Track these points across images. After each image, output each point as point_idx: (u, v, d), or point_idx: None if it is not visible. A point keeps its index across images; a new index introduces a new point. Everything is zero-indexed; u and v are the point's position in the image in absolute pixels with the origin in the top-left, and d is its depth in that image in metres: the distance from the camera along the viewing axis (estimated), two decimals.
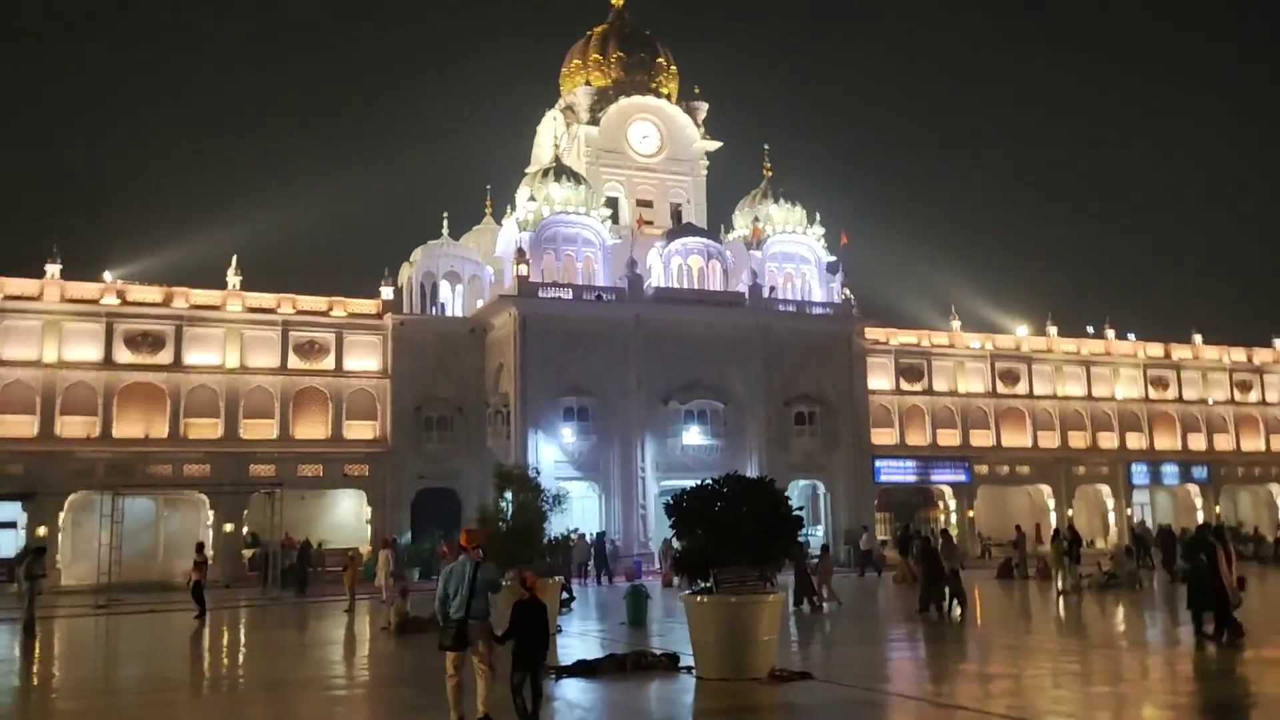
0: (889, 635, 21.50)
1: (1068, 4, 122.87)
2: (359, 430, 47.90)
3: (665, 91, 54.69)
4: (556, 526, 24.98)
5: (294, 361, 47.15)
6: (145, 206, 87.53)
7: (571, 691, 13.68)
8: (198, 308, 46.19)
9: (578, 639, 19.15)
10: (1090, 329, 61.35)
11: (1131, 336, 62.29)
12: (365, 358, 48.20)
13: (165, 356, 45.40)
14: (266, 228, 61.08)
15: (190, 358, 45.67)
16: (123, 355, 44.86)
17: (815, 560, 27.78)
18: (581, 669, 14.66)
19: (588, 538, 40.45)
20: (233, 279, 46.96)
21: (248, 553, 44.56)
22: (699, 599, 14.10)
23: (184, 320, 45.77)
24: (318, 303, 48.15)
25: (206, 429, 45.71)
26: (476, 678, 11.13)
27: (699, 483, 15.21)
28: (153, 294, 45.96)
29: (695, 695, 13.39)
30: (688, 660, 14.73)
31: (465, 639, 11.03)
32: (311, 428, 47.35)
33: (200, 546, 27.62)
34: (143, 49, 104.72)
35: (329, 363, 47.63)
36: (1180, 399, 63.00)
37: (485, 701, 11.02)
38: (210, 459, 45.24)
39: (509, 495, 23.49)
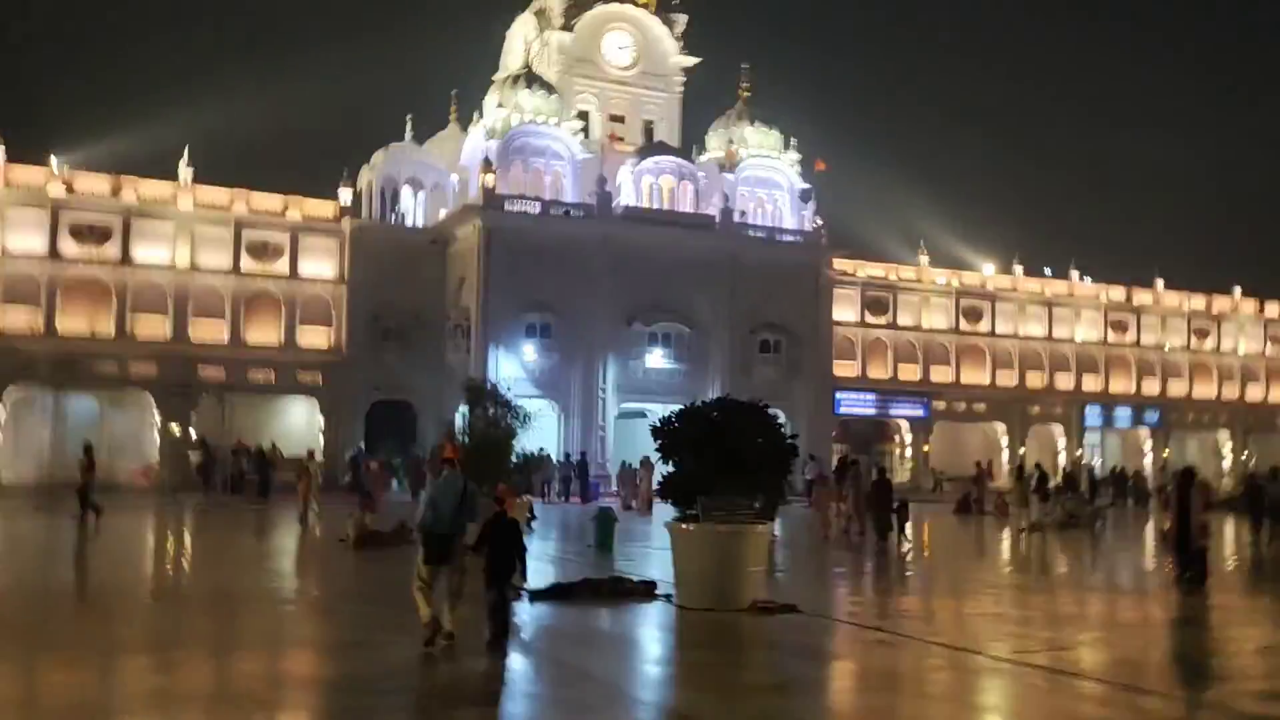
0: (864, 569, 21.11)
1: None
2: (313, 337, 46.57)
3: (643, 1, 52.70)
4: (521, 445, 24.30)
5: (247, 262, 45.51)
6: (96, 86, 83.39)
7: (547, 615, 13.02)
8: (147, 200, 44.24)
9: (545, 562, 18.51)
10: (1048, 271, 61.14)
11: (1088, 280, 62.19)
12: (321, 262, 46.63)
13: (112, 250, 43.57)
14: (222, 118, 58.42)
15: (139, 253, 43.88)
16: (68, 247, 43.02)
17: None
18: (556, 592, 14.01)
19: (552, 457, 39.81)
20: (184, 171, 44.98)
21: (194, 456, 43.35)
22: (685, 526, 13.44)
23: (132, 213, 43.87)
24: (273, 201, 46.33)
25: (154, 327, 44.14)
26: (444, 595, 10.67)
27: (687, 405, 14.46)
28: (100, 183, 43.92)
29: (678, 624, 12.79)
30: (664, 589, 14.12)
31: (451, 553, 10.67)
32: (264, 332, 45.94)
33: (88, 448, 26.02)
34: None
35: (283, 265, 46.04)
36: (1138, 343, 63.32)
37: (451, 620, 10.58)
38: (157, 358, 43.81)
39: (475, 411, 22.69)
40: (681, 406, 14.45)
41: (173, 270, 44.29)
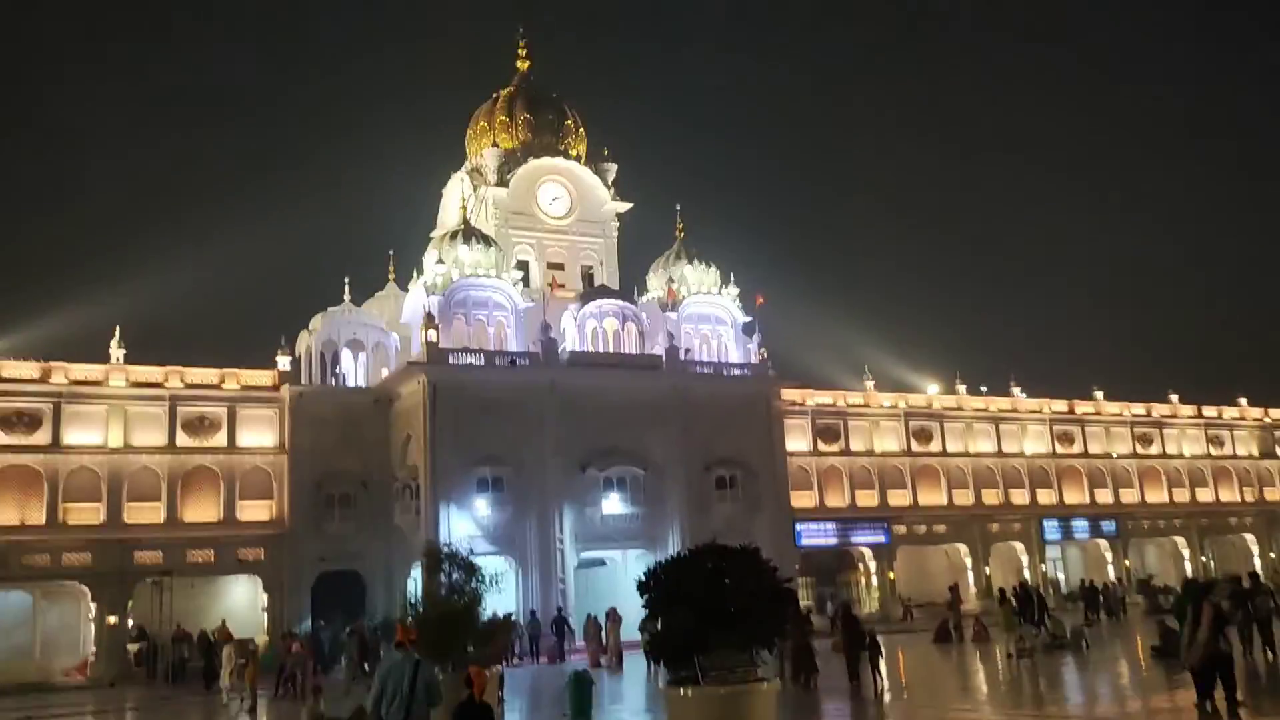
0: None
1: (965, 84, 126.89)
2: (254, 511, 44.74)
3: (574, 153, 53.76)
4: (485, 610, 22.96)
5: (183, 439, 43.97)
6: (21, 274, 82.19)
7: None
8: (78, 383, 42.83)
9: None
10: (984, 389, 61.75)
11: (1019, 392, 62.91)
12: (261, 433, 45.25)
13: (42, 436, 41.88)
14: (154, 297, 57.43)
15: (70, 437, 42.22)
16: None
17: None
18: None
19: (516, 618, 38.17)
20: (116, 352, 43.79)
21: (133, 647, 40.85)
22: (683, 691, 12.38)
23: (62, 397, 42.33)
24: (209, 375, 45.12)
25: (87, 514, 42.14)
26: None
27: (676, 554, 13.59)
28: (28, 369, 42.44)
29: None
30: None
31: None
32: (202, 510, 44.05)
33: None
34: (16, 106, 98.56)
35: (221, 439, 44.55)
36: (1086, 453, 63.84)
37: None
38: (91, 547, 41.64)
39: (435, 578, 21.41)
40: (669, 556, 13.58)
41: (106, 453, 42.61)
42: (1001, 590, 32.73)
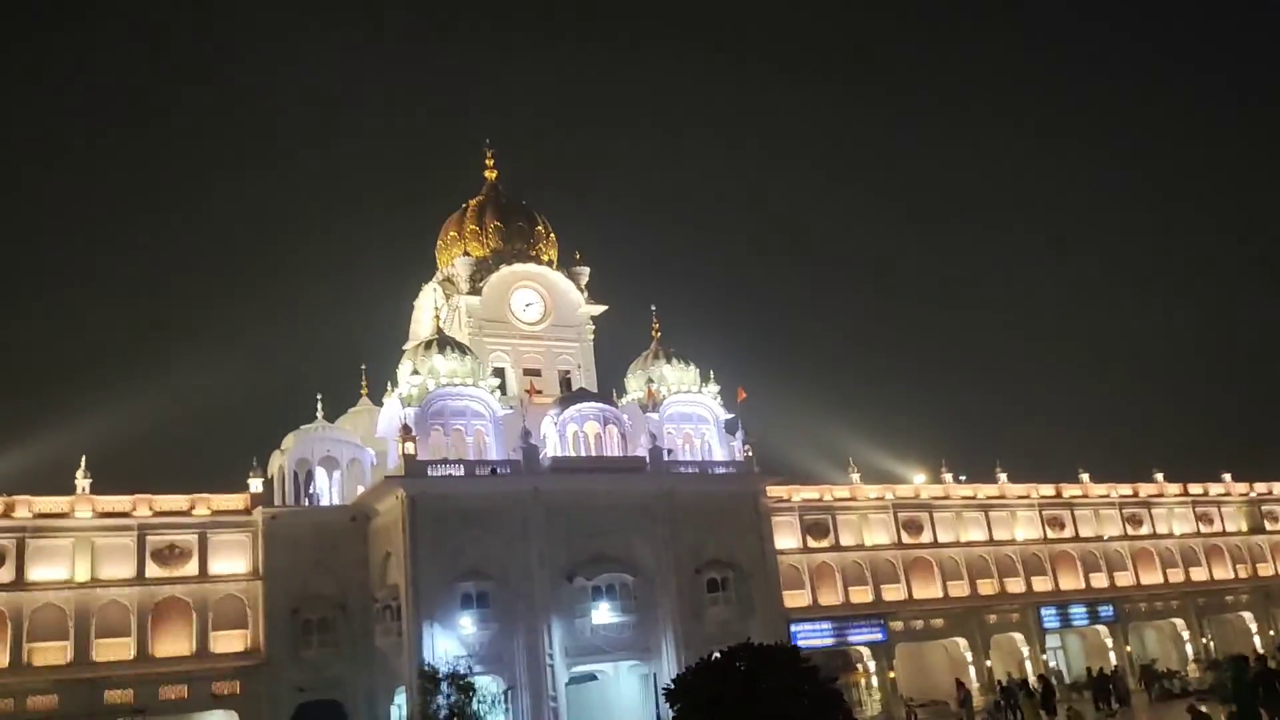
0: None
1: (940, 173, 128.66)
2: (228, 642, 42.86)
3: (546, 259, 53.70)
4: None
5: (152, 569, 42.34)
6: None
7: None
8: (43, 516, 41.30)
9: None
10: (963, 477, 61.03)
11: (1006, 478, 62.30)
12: (233, 559, 43.63)
13: (5, 574, 40.32)
14: (120, 423, 56.03)
15: (34, 573, 40.60)
16: None
17: None
18: None
19: None
20: (82, 482, 42.37)
21: None
22: None
23: (27, 532, 40.84)
24: (178, 502, 43.71)
25: (53, 654, 40.27)
26: None
27: (705, 658, 12.57)
28: None
29: None
30: None
31: None
32: (174, 643, 42.16)
33: None
34: None
35: (192, 568, 42.93)
36: (1078, 537, 62.95)
37: None
38: (58, 688, 39.61)
39: (434, 702, 20.04)
40: (701, 660, 12.56)
41: (72, 588, 40.83)
42: (1006, 683, 31.37)
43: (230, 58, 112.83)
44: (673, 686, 12.10)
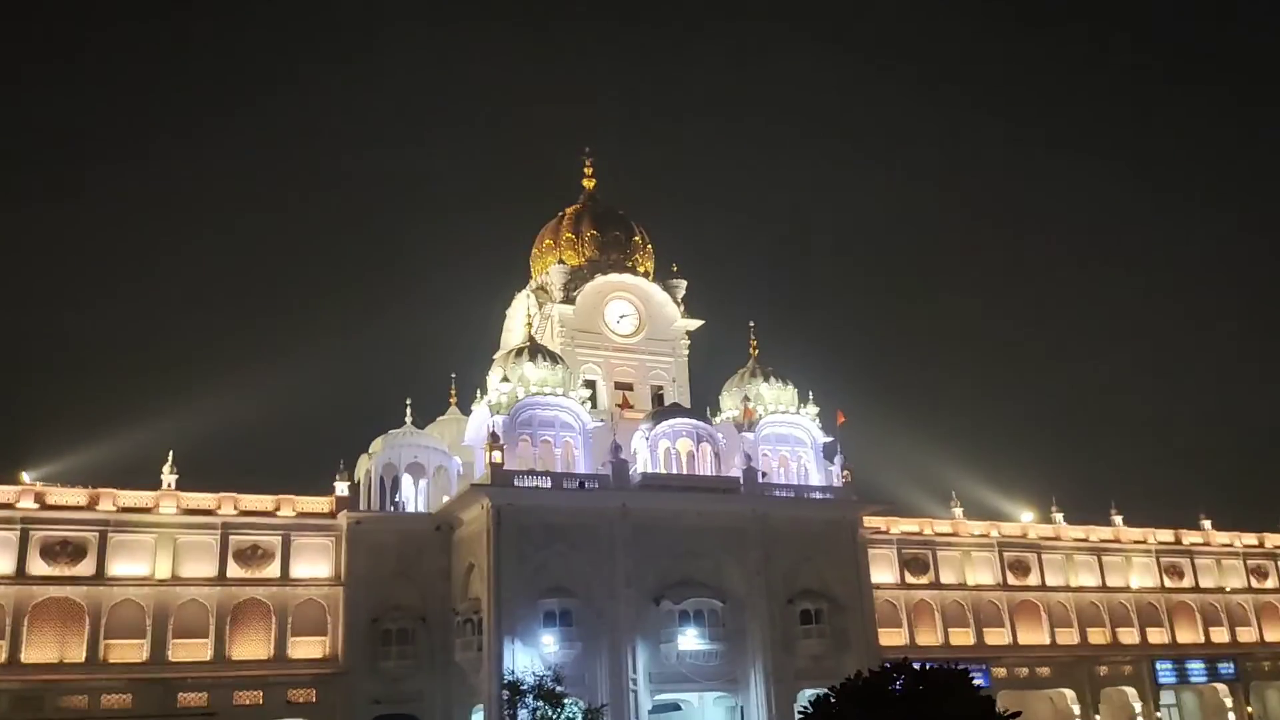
0: None
1: (1056, 175, 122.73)
2: (306, 648, 41.91)
3: (642, 270, 52.25)
4: None
5: (234, 569, 41.66)
6: (73, 399, 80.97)
7: None
8: (127, 510, 40.93)
9: None
10: (1059, 518, 57.22)
11: (1120, 521, 58.43)
12: (316, 563, 42.73)
13: (86, 567, 39.91)
14: (209, 421, 55.90)
15: (115, 568, 40.18)
16: (37, 567, 39.38)
17: None
18: None
19: None
20: (168, 478, 41.92)
21: None
22: None
23: (109, 525, 40.49)
24: (263, 502, 43.07)
25: (130, 651, 39.74)
26: None
27: (850, 679, 10.60)
28: (75, 496, 40.74)
29: None
30: None
31: None
32: (251, 647, 41.35)
33: None
34: (66, 225, 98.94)
35: (273, 569, 42.13)
36: (1197, 588, 58.97)
37: None
38: (133, 687, 39.10)
39: (520, 711, 18.30)
40: (819, 692, 10.57)
41: (152, 585, 40.26)
42: None
43: (323, 56, 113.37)
44: (810, 710, 10.10)
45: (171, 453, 42.40)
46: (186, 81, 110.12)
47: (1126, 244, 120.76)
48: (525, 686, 19.69)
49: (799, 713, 10.81)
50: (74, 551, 39.76)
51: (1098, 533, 57.77)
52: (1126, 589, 56.90)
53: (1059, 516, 57.07)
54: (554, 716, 18.41)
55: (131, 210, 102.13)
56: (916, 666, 10.52)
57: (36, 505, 39.71)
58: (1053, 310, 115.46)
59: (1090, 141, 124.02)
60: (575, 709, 18.89)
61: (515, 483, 41.08)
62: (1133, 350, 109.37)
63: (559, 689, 19.17)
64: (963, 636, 51.61)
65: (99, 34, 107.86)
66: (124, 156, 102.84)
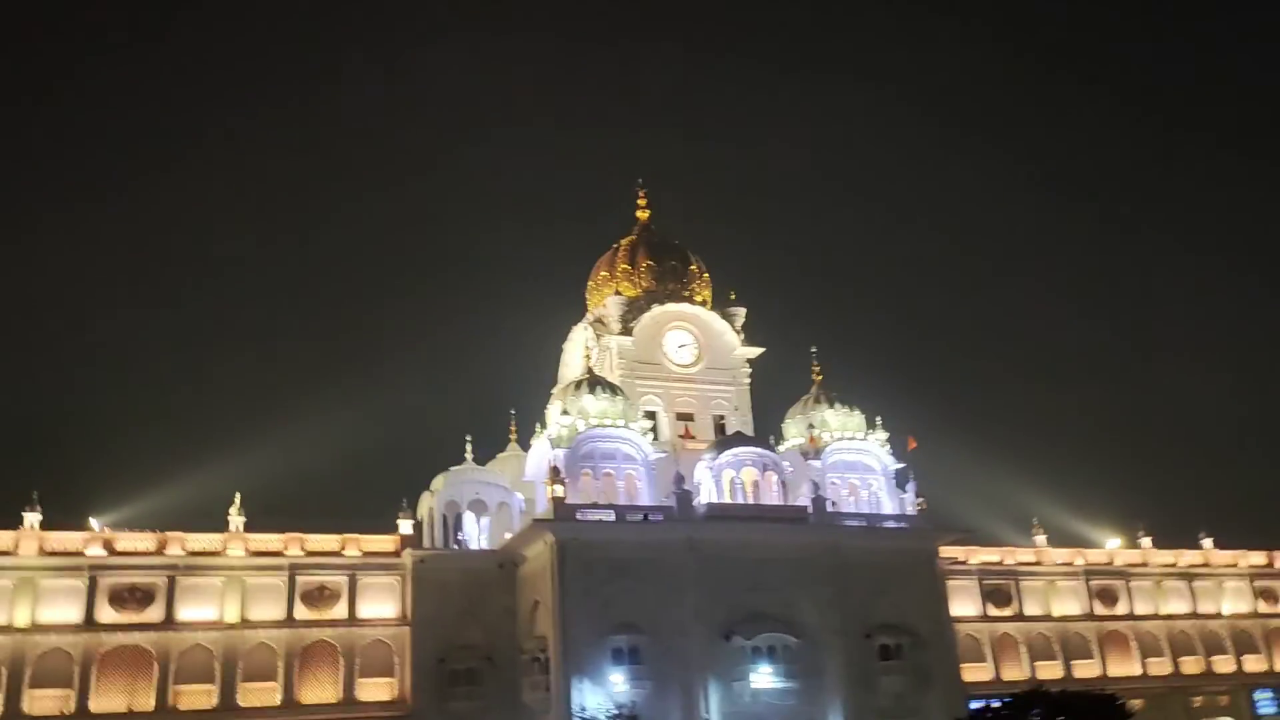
0: None
1: (1135, 175, 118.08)
2: (374, 690, 41.48)
3: (700, 299, 51.53)
4: None
5: (301, 611, 41.48)
6: (138, 444, 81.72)
7: None
8: (195, 554, 40.98)
9: None
10: (1146, 541, 54.63)
11: (1210, 544, 55.67)
12: (382, 602, 42.41)
13: (155, 613, 39.98)
14: (272, 463, 56.01)
15: (184, 612, 40.21)
16: (106, 614, 39.52)
17: None
18: None
19: None
20: (235, 519, 41.93)
21: None
22: None
23: (178, 569, 40.58)
24: (329, 542, 42.88)
25: (200, 698, 39.63)
26: None
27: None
28: (144, 541, 40.88)
29: None
30: None
31: None
32: (320, 689, 41.04)
33: None
34: (129, 270, 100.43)
35: (341, 610, 41.90)
36: None
37: None
38: None
39: None
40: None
41: (221, 629, 40.17)
42: None
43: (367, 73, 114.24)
44: None
45: (239, 494, 42.47)
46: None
47: (1229, 242, 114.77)
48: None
49: None
50: (142, 597, 39.86)
51: (1187, 557, 55.36)
52: (1219, 615, 54.36)
53: (1146, 541, 54.78)
54: None
55: (184, 236, 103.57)
56: (1054, 693, 9.40)
57: (104, 552, 39.89)
58: (1138, 319, 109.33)
59: (1193, 119, 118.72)
60: None
61: (578, 516, 40.35)
62: (1224, 359, 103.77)
63: None
64: (1050, 670, 49.40)
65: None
66: (171, 166, 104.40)
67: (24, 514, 39.67)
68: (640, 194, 55.01)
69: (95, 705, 38.18)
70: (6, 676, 37.56)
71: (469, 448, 46.22)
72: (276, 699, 40.11)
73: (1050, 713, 8.07)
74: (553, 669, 38.77)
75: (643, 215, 54.54)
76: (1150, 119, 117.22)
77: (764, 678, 40.48)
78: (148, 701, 38.77)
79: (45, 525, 39.88)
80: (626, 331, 48.66)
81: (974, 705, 45.15)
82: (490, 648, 41.57)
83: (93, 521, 41.15)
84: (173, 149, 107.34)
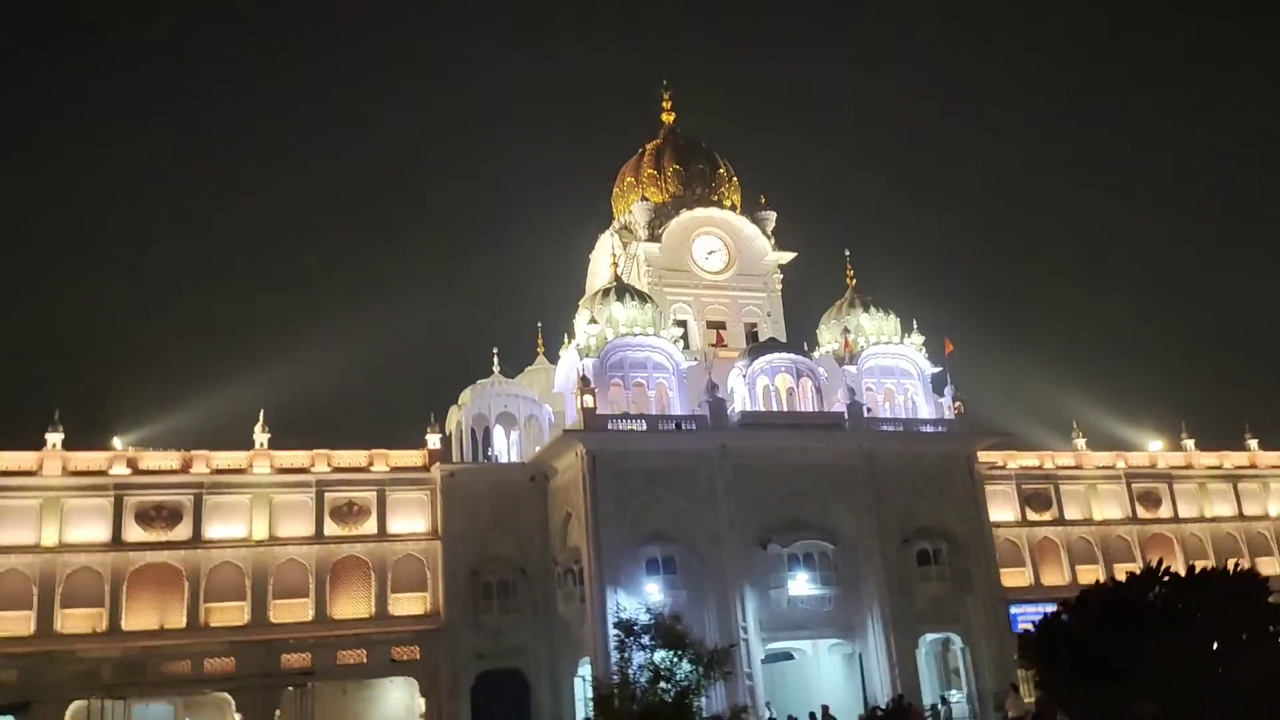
0: None
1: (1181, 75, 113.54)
2: (407, 604, 41.07)
3: (728, 203, 49.81)
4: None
5: (330, 527, 40.93)
6: (160, 362, 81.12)
7: None
8: (220, 472, 40.41)
9: None
10: (1189, 443, 53.09)
11: (1256, 445, 54.14)
12: (412, 518, 41.80)
13: (183, 531, 39.47)
14: (298, 377, 55.32)
15: (212, 531, 39.69)
16: (133, 533, 39.03)
17: None
18: None
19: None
20: (260, 437, 41.28)
21: None
22: None
23: (204, 488, 39.99)
24: (356, 457, 42.20)
25: (230, 614, 39.28)
26: None
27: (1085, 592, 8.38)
28: (169, 460, 40.35)
29: None
30: None
31: None
32: (352, 605, 40.63)
33: None
34: (148, 180, 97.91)
35: (370, 526, 41.31)
36: None
37: None
38: (235, 650, 38.55)
39: (635, 654, 16.45)
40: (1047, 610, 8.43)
41: (250, 546, 39.75)
42: None
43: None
44: (1032, 630, 7.92)
45: (263, 411, 41.75)
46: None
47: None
48: (639, 626, 17.88)
49: (1018, 636, 8.51)
50: (169, 516, 39.37)
51: (1232, 458, 54.00)
52: (1265, 517, 53.15)
53: (1189, 443, 53.44)
54: (676, 661, 16.46)
55: (206, 153, 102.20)
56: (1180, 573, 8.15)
57: (129, 471, 39.34)
58: (1177, 213, 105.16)
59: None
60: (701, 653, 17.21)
61: (609, 427, 39.38)
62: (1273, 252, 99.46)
63: (679, 627, 17.49)
64: (1091, 574, 48.09)
65: None
66: (197, 99, 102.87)
67: (46, 434, 39.12)
68: (665, 96, 53.01)
69: (127, 624, 37.96)
70: (38, 596, 37.33)
71: (496, 361, 45.20)
72: (309, 614, 39.80)
73: (1175, 593, 7.03)
74: (587, 580, 38.14)
75: (668, 118, 52.53)
76: None
77: (801, 585, 39.79)
78: (179, 619, 38.52)
79: (67, 445, 39.28)
80: (654, 238, 47.15)
81: (1015, 612, 44.89)
82: (523, 560, 41.02)
83: (116, 441, 40.71)
84: (210, 67, 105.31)
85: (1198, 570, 7.77)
